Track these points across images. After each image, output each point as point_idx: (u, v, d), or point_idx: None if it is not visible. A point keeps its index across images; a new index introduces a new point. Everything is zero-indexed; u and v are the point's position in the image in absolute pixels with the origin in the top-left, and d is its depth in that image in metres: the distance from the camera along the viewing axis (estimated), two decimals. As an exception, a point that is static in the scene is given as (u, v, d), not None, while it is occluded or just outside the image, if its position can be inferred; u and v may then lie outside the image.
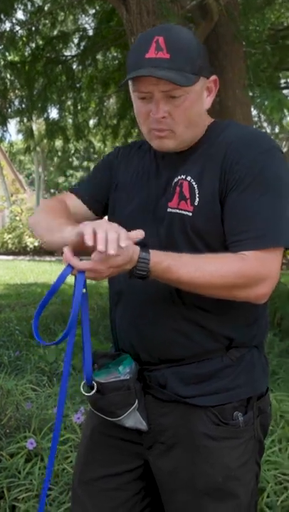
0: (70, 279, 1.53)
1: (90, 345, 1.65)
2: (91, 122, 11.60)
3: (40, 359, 5.61)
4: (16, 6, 8.24)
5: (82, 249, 1.48)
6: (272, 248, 1.57)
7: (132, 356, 1.72)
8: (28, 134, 10.09)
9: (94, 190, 1.94)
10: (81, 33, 9.50)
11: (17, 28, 8.57)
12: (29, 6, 8.49)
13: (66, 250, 1.48)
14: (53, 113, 38.85)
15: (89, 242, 1.39)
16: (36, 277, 15.59)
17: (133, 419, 1.70)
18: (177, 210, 1.65)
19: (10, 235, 25.41)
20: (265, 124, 19.80)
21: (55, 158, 13.60)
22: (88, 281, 1.56)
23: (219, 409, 1.68)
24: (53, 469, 3.14)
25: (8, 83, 9.18)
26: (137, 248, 1.48)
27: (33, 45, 9.04)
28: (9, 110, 9.40)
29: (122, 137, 11.24)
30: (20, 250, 25.13)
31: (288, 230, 1.59)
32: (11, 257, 23.98)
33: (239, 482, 1.69)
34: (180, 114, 1.62)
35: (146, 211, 1.75)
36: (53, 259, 23.43)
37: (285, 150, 20.15)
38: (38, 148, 13.98)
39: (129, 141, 11.42)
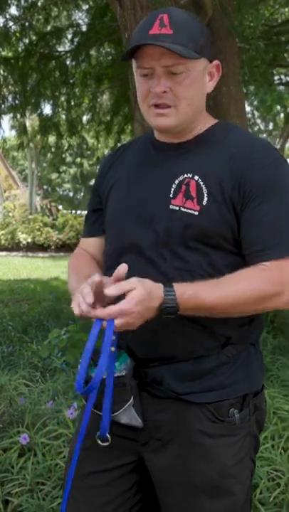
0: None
1: (109, 406, 1.63)
2: (84, 118, 11.57)
3: (33, 355, 5.61)
4: (9, 1, 8.22)
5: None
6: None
7: (127, 353, 1.71)
8: (22, 130, 10.06)
9: (95, 220, 1.99)
10: (75, 28, 9.46)
11: (10, 23, 8.55)
12: (22, 2, 8.45)
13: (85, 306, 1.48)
14: (47, 109, 38.79)
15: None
16: (29, 273, 15.57)
17: (128, 415, 1.69)
18: (182, 209, 1.65)
19: (3, 231, 25.35)
20: (258, 121, 19.85)
21: (49, 154, 13.54)
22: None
23: (215, 406, 1.68)
24: (46, 464, 3.15)
25: (2, 79, 9.14)
26: (160, 285, 1.52)
27: (27, 40, 9.00)
28: (2, 106, 9.37)
29: (115, 133, 11.24)
30: (13, 246, 25.08)
31: None
32: (4, 253, 23.92)
33: (236, 480, 1.70)
34: (181, 90, 1.64)
35: (143, 206, 1.74)
36: (46, 255, 23.44)
37: (278, 147, 20.20)
38: (31, 145, 13.93)
39: (122, 137, 11.43)
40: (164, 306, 1.51)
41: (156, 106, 1.67)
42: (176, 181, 1.69)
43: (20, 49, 9.12)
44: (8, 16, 8.42)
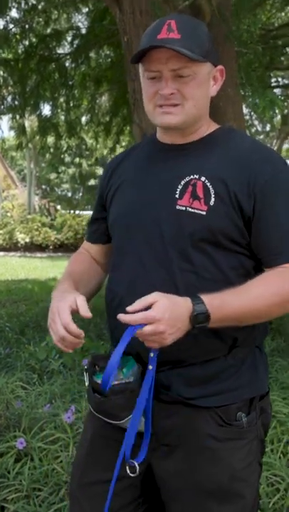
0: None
1: (135, 431, 1.63)
2: (83, 119, 11.57)
3: (31, 356, 5.61)
4: (10, 4, 8.24)
5: None
6: None
7: (134, 358, 1.71)
8: (21, 130, 10.06)
9: (96, 229, 2.04)
10: (74, 31, 9.47)
11: (11, 25, 8.57)
12: (23, 4, 8.48)
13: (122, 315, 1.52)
14: (46, 110, 38.88)
15: None
16: (27, 273, 15.58)
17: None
18: (189, 209, 1.67)
19: (1, 231, 25.35)
20: (256, 123, 19.86)
21: (47, 155, 13.55)
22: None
23: (223, 410, 1.69)
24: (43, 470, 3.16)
25: (1, 80, 9.17)
26: (186, 298, 1.54)
27: (27, 42, 9.01)
28: (2, 107, 9.38)
29: (114, 134, 11.24)
30: (11, 246, 25.09)
31: None
32: (1, 253, 23.93)
33: (246, 483, 1.71)
34: (188, 90, 1.66)
35: (148, 207, 1.75)
36: (44, 255, 23.42)
37: (275, 148, 20.22)
38: (30, 145, 13.93)
39: (121, 138, 11.45)
40: (194, 314, 1.53)
41: (164, 105, 1.70)
42: (182, 182, 1.70)
43: (20, 51, 9.14)
44: (8, 19, 8.44)
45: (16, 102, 9.42)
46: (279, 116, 14.33)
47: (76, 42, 9.28)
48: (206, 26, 1.77)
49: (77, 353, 5.26)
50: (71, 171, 36.38)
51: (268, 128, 21.87)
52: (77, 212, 31.53)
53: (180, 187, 1.70)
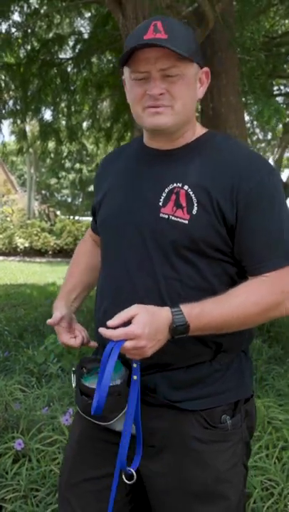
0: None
1: (127, 444, 1.65)
2: (84, 125, 11.62)
3: (29, 360, 5.61)
4: (12, 8, 8.26)
5: None
6: (287, 265, 1.65)
7: (121, 361, 1.70)
8: (21, 135, 10.10)
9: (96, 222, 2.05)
10: (77, 36, 9.53)
11: (13, 29, 8.59)
12: (25, 8, 8.50)
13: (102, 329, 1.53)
14: (47, 115, 38.86)
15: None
16: (26, 278, 15.57)
17: (123, 423, 1.69)
18: (172, 217, 1.66)
19: (0, 236, 25.37)
20: (257, 130, 19.89)
21: (48, 160, 13.59)
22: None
23: (208, 413, 1.70)
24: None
25: (3, 84, 9.19)
26: (166, 308, 1.56)
27: (29, 47, 9.05)
28: (3, 111, 9.40)
29: (115, 140, 11.26)
30: (11, 251, 25.10)
31: None
32: (1, 258, 23.93)
33: (230, 484, 1.72)
34: (177, 90, 1.65)
35: (133, 214, 1.75)
36: (43, 260, 23.42)
37: (276, 157, 20.26)
38: (30, 150, 13.96)
39: (122, 144, 11.46)
40: (174, 325, 1.54)
41: (152, 107, 1.68)
42: (166, 190, 1.70)
43: (22, 55, 9.17)
44: (10, 23, 8.46)
45: (18, 107, 9.45)
46: (280, 125, 14.35)
47: (78, 47, 9.33)
48: (191, 28, 1.77)
49: (75, 357, 5.26)
50: (71, 176, 36.41)
51: (269, 136, 21.91)
52: (76, 217, 31.56)
53: (164, 195, 1.70)
